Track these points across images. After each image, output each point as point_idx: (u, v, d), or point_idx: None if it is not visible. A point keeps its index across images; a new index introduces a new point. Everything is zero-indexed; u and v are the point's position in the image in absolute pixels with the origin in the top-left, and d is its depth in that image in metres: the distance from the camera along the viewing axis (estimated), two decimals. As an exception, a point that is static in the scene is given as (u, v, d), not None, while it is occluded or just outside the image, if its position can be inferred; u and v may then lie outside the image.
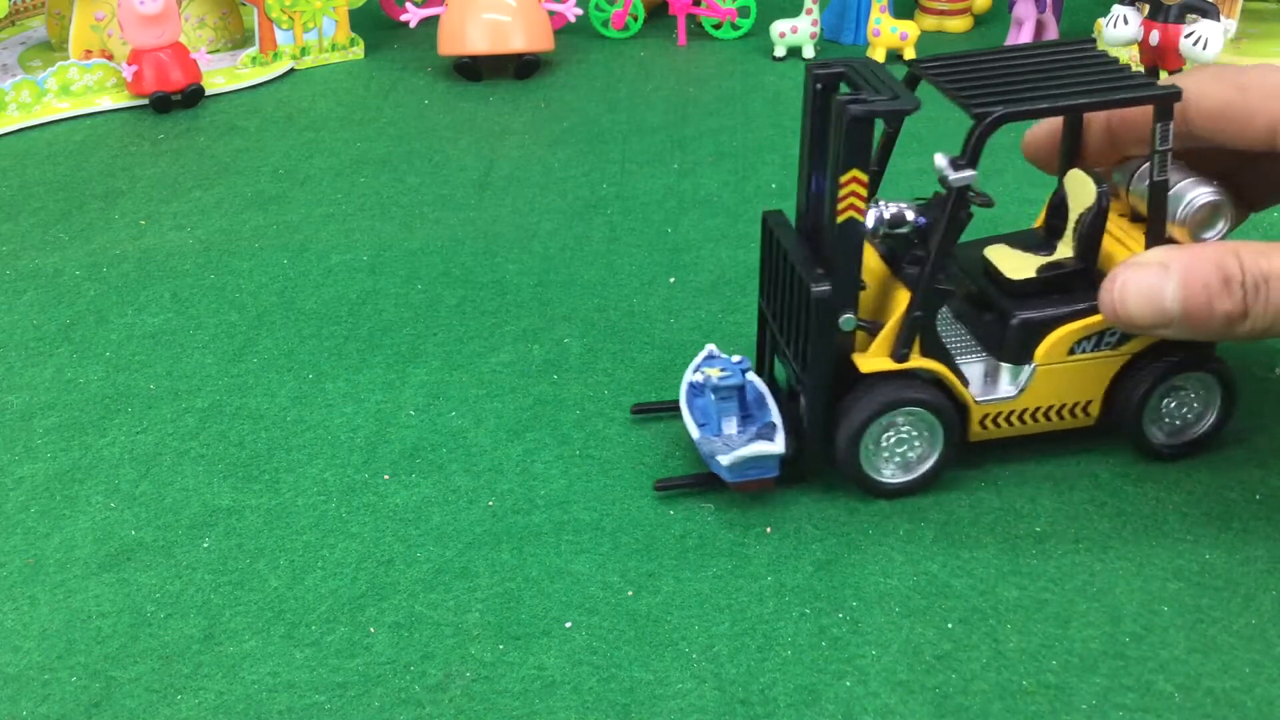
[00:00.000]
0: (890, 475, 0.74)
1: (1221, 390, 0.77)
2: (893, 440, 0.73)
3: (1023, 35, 1.46)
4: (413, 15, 1.51)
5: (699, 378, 0.77)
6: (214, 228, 1.12)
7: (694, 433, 0.75)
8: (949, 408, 0.73)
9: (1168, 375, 0.75)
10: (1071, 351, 0.73)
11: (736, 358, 0.77)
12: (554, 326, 0.94)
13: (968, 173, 0.68)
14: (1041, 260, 0.76)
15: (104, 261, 1.07)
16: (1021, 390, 0.74)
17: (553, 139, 1.29)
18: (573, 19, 1.55)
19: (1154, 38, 1.27)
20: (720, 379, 0.74)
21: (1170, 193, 0.72)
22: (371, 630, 0.67)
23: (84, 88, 1.41)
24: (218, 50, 1.57)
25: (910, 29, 1.45)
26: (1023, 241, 0.78)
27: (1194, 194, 0.72)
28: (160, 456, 0.81)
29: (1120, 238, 0.76)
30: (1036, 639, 0.65)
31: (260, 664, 0.65)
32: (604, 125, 1.32)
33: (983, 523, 0.73)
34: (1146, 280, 0.67)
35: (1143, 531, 0.72)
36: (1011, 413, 0.74)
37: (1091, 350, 0.74)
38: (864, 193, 0.68)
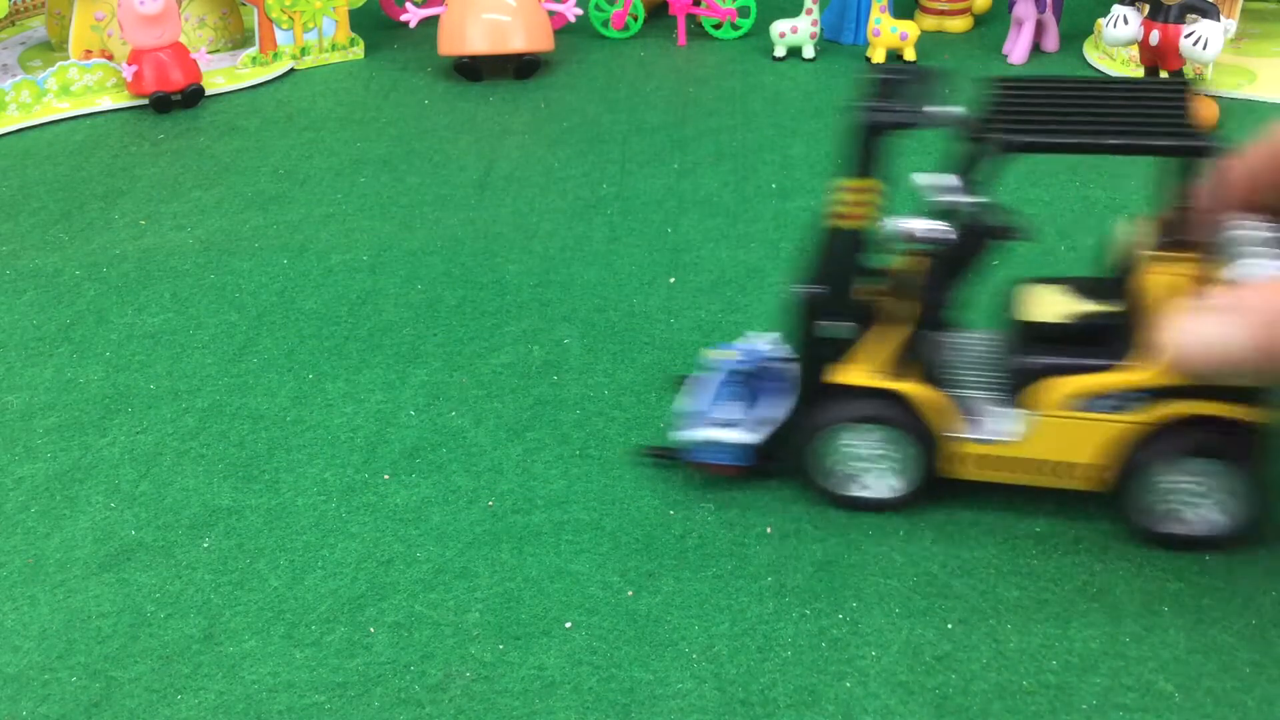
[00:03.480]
0: (846, 489, 0.73)
1: (1243, 491, 0.67)
2: (849, 455, 0.72)
3: (1022, 36, 1.46)
4: (413, 15, 1.51)
5: (728, 356, 0.76)
6: (214, 228, 1.12)
7: (677, 403, 0.75)
8: (913, 433, 0.70)
9: (1186, 455, 0.67)
10: (1082, 407, 0.68)
11: (770, 346, 0.76)
12: (554, 327, 0.94)
13: (970, 199, 0.66)
14: (1081, 307, 0.70)
15: (104, 261, 1.07)
16: (1018, 437, 0.70)
17: (553, 139, 1.29)
18: (573, 19, 1.55)
19: (1154, 38, 1.27)
20: (726, 361, 0.74)
21: (1240, 252, 0.64)
22: (371, 630, 0.67)
23: (84, 88, 1.41)
24: (218, 50, 1.57)
25: (910, 29, 1.45)
26: (1083, 286, 0.72)
27: (1255, 263, 0.62)
28: (160, 456, 0.81)
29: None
30: (1036, 639, 0.65)
31: (260, 664, 0.65)
32: (604, 125, 1.32)
33: (983, 523, 0.73)
34: (1208, 326, 0.59)
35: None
36: (1004, 458, 0.71)
37: (1107, 410, 0.67)
38: (853, 200, 0.67)
